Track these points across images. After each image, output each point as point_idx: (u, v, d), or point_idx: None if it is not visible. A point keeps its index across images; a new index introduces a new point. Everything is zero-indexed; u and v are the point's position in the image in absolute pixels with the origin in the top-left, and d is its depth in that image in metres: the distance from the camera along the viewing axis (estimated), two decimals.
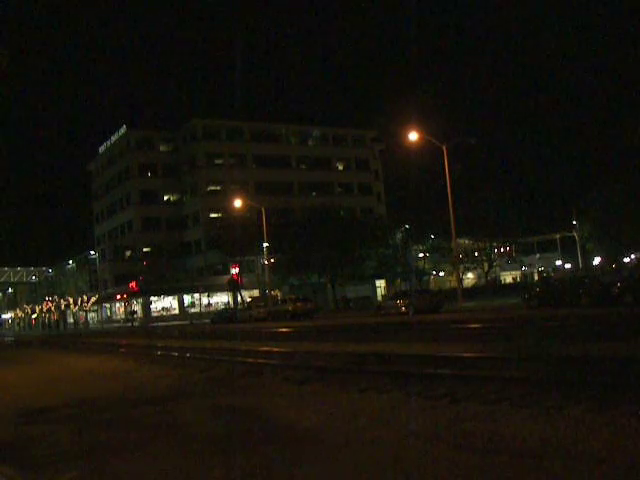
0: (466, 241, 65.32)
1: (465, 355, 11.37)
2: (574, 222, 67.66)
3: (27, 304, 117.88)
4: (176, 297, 77.06)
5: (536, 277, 78.87)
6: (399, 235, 67.34)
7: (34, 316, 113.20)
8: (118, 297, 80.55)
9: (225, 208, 68.06)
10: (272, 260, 61.10)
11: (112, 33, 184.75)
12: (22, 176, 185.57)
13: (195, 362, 15.43)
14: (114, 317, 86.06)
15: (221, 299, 75.20)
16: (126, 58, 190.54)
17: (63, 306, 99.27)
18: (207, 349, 19.63)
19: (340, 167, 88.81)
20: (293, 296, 53.43)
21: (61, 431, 7.96)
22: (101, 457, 6.34)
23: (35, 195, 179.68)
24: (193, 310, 73.20)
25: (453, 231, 39.25)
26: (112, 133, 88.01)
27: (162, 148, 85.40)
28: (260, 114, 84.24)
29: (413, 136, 39.16)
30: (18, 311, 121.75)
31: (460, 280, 46.69)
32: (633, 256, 65.73)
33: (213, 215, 76.02)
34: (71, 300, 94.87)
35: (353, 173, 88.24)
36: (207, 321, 59.63)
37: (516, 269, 79.46)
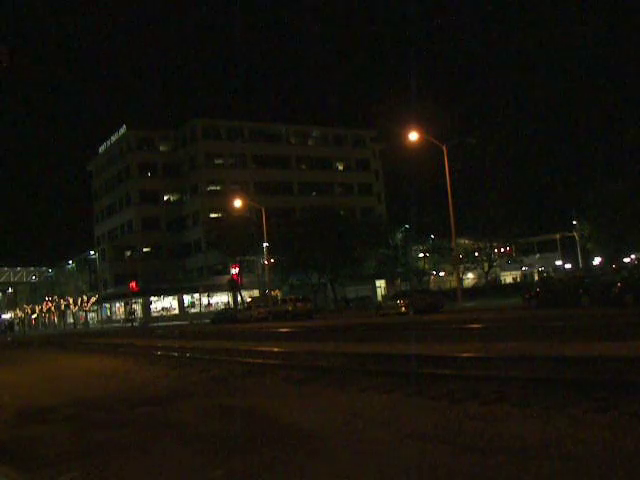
0: (466, 241, 65.31)
1: (465, 355, 11.36)
2: (574, 222, 67.66)
3: (27, 304, 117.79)
4: (176, 297, 77.10)
5: (536, 277, 78.82)
6: (399, 235, 67.37)
7: (34, 316, 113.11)
8: (118, 297, 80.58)
9: (225, 208, 68.10)
10: (272, 260, 61.11)
11: (112, 33, 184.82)
12: (22, 176, 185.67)
13: (195, 362, 15.42)
14: (114, 317, 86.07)
15: (221, 299, 75.23)
16: (126, 58, 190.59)
17: (63, 306, 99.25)
18: (207, 349, 19.62)
19: (340, 167, 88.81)
20: (293, 296, 53.44)
21: (61, 431, 7.95)
22: (101, 457, 6.34)
23: (35, 195, 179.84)
24: (193, 310, 73.25)
25: (453, 231, 39.26)
26: (112, 133, 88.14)
27: (162, 148, 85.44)
28: (260, 114, 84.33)
29: (413, 136, 39.19)
30: (18, 311, 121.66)
31: (460, 280, 46.70)
32: (633, 256, 65.72)
33: (213, 215, 76.05)
34: (71, 300, 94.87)
35: (353, 173, 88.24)
36: (207, 321, 59.65)
37: (516, 269, 79.39)
